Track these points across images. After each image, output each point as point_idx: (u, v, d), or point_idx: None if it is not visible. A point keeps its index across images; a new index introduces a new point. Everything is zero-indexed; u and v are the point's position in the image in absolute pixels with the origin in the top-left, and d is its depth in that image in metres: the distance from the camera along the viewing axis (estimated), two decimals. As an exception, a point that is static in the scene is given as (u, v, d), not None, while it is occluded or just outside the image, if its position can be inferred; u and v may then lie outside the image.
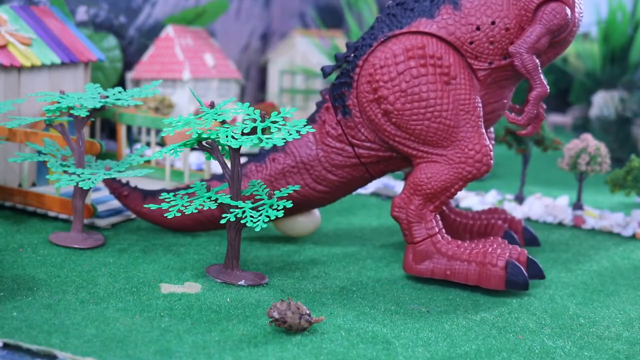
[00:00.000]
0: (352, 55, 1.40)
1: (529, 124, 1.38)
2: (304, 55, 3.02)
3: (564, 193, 2.07)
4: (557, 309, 1.29)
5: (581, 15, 1.40)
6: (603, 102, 2.70)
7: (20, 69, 1.64)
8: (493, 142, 1.51)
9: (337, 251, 1.50)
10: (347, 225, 1.68)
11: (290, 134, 1.27)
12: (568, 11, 1.34)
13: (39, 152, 1.49)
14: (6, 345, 1.01)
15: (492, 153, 1.36)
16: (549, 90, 1.36)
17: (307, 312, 1.10)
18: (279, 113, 1.30)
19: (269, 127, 1.28)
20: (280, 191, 1.32)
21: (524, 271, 1.32)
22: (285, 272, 1.37)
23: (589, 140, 1.79)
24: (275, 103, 2.90)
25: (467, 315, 1.24)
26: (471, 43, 1.34)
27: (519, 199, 1.94)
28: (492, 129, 1.53)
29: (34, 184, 1.68)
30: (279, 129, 1.28)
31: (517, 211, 1.86)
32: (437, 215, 1.38)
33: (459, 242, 1.37)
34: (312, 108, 3.01)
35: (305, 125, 1.29)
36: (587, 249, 1.61)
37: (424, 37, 1.34)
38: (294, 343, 1.07)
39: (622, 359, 1.11)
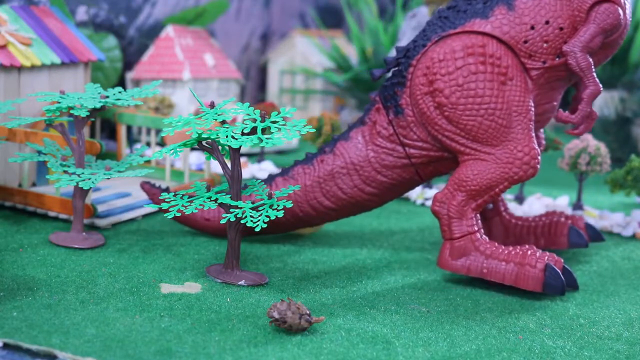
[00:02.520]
0: (404, 56, 1.41)
1: (582, 122, 1.38)
2: (304, 55, 3.02)
3: (564, 193, 2.07)
4: (557, 309, 1.29)
5: (629, 17, 1.41)
6: (603, 102, 2.70)
7: (20, 69, 1.64)
8: (544, 142, 1.52)
9: (337, 251, 1.50)
10: (347, 225, 1.68)
11: (291, 134, 1.27)
12: (620, 11, 1.35)
13: (39, 152, 1.49)
14: (6, 345, 1.01)
15: (539, 157, 1.36)
16: (602, 89, 1.37)
17: (307, 312, 1.10)
18: (279, 113, 1.30)
19: (269, 127, 1.28)
20: (281, 191, 1.32)
21: (562, 276, 1.31)
22: (286, 272, 1.37)
23: (589, 140, 1.79)
24: (275, 103, 2.90)
25: (467, 315, 1.24)
26: (525, 42, 1.35)
27: (519, 199, 1.94)
28: (542, 131, 1.53)
29: (34, 184, 1.68)
30: (279, 129, 1.28)
31: (518, 211, 1.86)
32: (478, 215, 1.38)
33: (498, 244, 1.37)
34: (313, 108, 3.01)
35: (304, 126, 1.29)
36: (586, 249, 1.61)
37: (484, 37, 1.35)
38: (294, 343, 1.07)
39: (622, 359, 1.11)
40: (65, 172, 1.41)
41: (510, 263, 1.33)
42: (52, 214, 1.55)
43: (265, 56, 3.15)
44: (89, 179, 1.37)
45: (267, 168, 2.14)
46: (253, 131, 1.27)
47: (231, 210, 1.26)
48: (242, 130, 1.27)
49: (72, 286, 1.22)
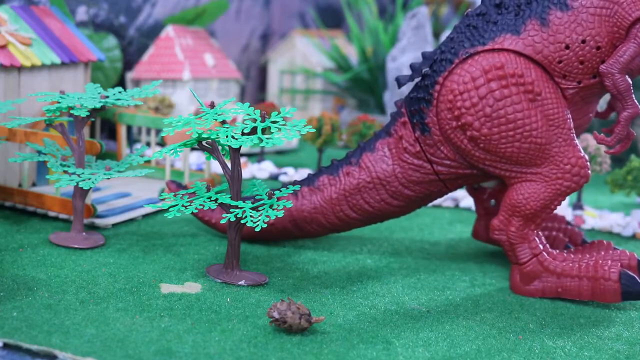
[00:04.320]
0: (430, 68, 1.36)
1: (618, 144, 1.33)
2: (304, 55, 3.02)
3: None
4: (558, 309, 1.29)
5: None
6: (603, 102, 2.70)
7: (20, 69, 1.64)
8: None
9: (337, 251, 1.50)
10: (347, 225, 1.68)
11: (291, 134, 1.27)
12: None
13: (39, 152, 1.49)
14: (6, 345, 1.01)
15: (588, 163, 1.31)
16: None
17: (307, 312, 1.10)
18: (279, 113, 1.30)
19: (269, 127, 1.28)
20: (280, 191, 1.32)
21: (639, 279, 1.29)
22: (286, 272, 1.37)
23: (589, 140, 1.79)
24: (275, 103, 2.90)
25: (467, 315, 1.24)
26: (559, 62, 1.28)
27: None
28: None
29: (34, 184, 1.68)
30: (279, 129, 1.28)
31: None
32: (539, 232, 1.36)
33: (565, 255, 1.34)
34: (312, 108, 3.01)
35: (304, 126, 1.29)
36: (587, 249, 1.61)
37: (501, 54, 1.29)
38: (294, 343, 1.07)
39: (622, 359, 1.11)
40: (65, 172, 1.41)
41: (583, 279, 1.30)
42: (52, 214, 1.55)
43: (265, 56, 3.15)
44: (89, 179, 1.37)
45: (267, 168, 2.14)
46: (253, 131, 1.27)
47: (231, 210, 1.26)
48: (242, 130, 1.27)
49: (72, 286, 1.22)
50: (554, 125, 1.29)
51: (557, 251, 1.36)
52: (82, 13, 2.33)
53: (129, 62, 2.51)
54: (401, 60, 2.33)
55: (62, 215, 1.54)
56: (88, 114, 1.40)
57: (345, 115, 2.74)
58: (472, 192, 1.56)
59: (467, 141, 1.32)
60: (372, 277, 1.38)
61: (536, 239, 1.34)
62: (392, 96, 2.35)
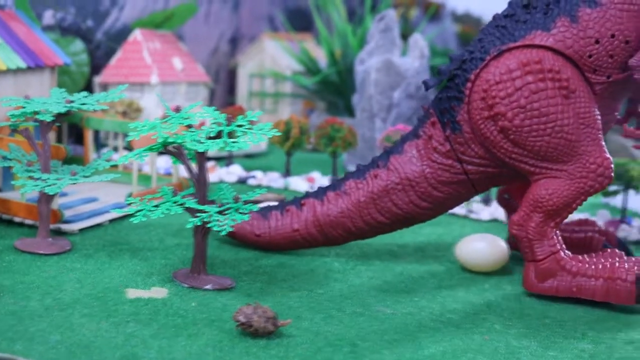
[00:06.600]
0: (460, 68, 1.36)
1: None
2: (273, 58, 3.02)
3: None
4: (524, 310, 1.30)
5: None
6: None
7: (-16, 73, 1.63)
8: None
9: (304, 254, 1.50)
10: (316, 228, 1.68)
11: (256, 138, 1.27)
12: None
13: (4, 158, 1.47)
14: (-31, 353, 1.00)
15: (612, 165, 1.32)
16: None
17: (273, 315, 1.10)
18: (245, 117, 1.30)
19: (235, 131, 1.28)
20: (247, 194, 1.32)
21: None
22: (253, 275, 1.37)
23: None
24: (245, 106, 2.90)
25: (434, 316, 1.24)
26: (590, 57, 1.31)
27: (486, 201, 1.95)
28: None
29: (-1, 190, 1.67)
30: (245, 133, 1.28)
31: (485, 212, 1.88)
32: (558, 232, 1.36)
33: (581, 257, 1.35)
34: (282, 111, 3.01)
35: (270, 129, 1.29)
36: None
37: (539, 50, 1.30)
38: (260, 347, 1.07)
39: (587, 358, 1.12)
40: (30, 177, 1.40)
41: (599, 279, 1.31)
42: (17, 219, 1.53)
43: (235, 60, 3.14)
44: (55, 184, 1.36)
45: (235, 171, 2.14)
46: (219, 135, 1.27)
47: (197, 214, 1.26)
48: (208, 134, 1.27)
49: (37, 292, 1.21)
50: (584, 124, 1.30)
51: (573, 254, 1.36)
52: (48, 17, 2.31)
53: (97, 66, 2.50)
54: (369, 63, 2.34)
55: (27, 221, 1.53)
56: (53, 118, 1.40)
57: (314, 118, 2.74)
58: (503, 201, 1.57)
59: (497, 132, 1.32)
60: (340, 280, 1.38)
61: (554, 237, 1.34)
62: (361, 99, 2.36)
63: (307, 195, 1.47)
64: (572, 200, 1.32)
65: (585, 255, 1.37)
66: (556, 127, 1.29)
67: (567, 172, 1.32)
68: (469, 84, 1.34)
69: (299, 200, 1.47)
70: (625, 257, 1.35)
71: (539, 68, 1.30)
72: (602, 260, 1.34)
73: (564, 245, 1.36)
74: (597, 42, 1.30)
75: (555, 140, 1.30)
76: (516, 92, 1.30)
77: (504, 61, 1.32)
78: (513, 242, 1.54)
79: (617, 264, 1.32)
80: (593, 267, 1.32)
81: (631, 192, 1.96)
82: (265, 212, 1.48)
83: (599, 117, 1.32)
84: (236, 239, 1.51)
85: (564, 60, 1.31)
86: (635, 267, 1.31)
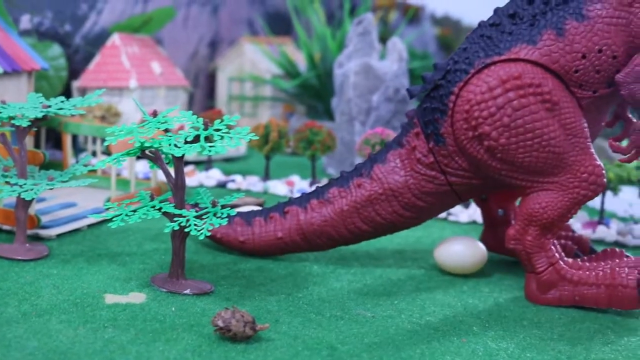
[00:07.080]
0: (444, 79, 1.34)
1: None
2: (253, 62, 3.03)
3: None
4: (502, 312, 1.30)
5: None
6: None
7: (-39, 79, 1.62)
8: None
9: (282, 258, 1.50)
10: (295, 232, 1.68)
11: (234, 142, 1.27)
12: None
13: (-19, 163, 1.47)
14: (-55, 360, 0.99)
15: (604, 172, 1.31)
16: None
17: (252, 319, 1.10)
18: (223, 121, 1.30)
19: (212, 135, 1.28)
20: (225, 199, 1.32)
21: None
22: (232, 280, 1.37)
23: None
24: (224, 110, 2.90)
25: (412, 319, 1.24)
26: (576, 72, 1.29)
27: (465, 204, 1.96)
28: None
29: (-24, 196, 1.66)
30: (222, 137, 1.28)
31: (463, 215, 1.88)
32: (555, 241, 1.36)
33: (580, 264, 1.34)
34: (262, 114, 3.01)
35: (248, 133, 1.29)
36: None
37: (518, 64, 1.28)
38: (238, 351, 1.07)
39: (564, 359, 1.13)
40: (7, 183, 1.39)
41: (600, 286, 1.31)
42: (-5, 225, 1.53)
43: (214, 63, 3.14)
44: (32, 189, 1.35)
45: (214, 176, 2.13)
46: (196, 139, 1.27)
47: (175, 219, 1.26)
48: (185, 138, 1.26)
49: (15, 298, 1.20)
50: (571, 134, 1.29)
51: (572, 260, 1.36)
52: (25, 21, 2.30)
53: (75, 70, 2.49)
54: (348, 66, 2.34)
55: (5, 227, 1.52)
56: (29, 124, 1.39)
57: (294, 121, 2.74)
58: (480, 203, 1.57)
59: (484, 151, 1.31)
60: (318, 284, 1.38)
61: (552, 247, 1.34)
62: (340, 102, 2.36)
63: (291, 202, 1.47)
64: (566, 211, 1.31)
65: (586, 259, 1.38)
66: (543, 141, 1.28)
67: (559, 183, 1.31)
68: (452, 97, 1.32)
69: (282, 206, 1.47)
70: (625, 258, 1.35)
71: (519, 84, 1.27)
72: (603, 264, 1.34)
73: (562, 254, 1.36)
74: (584, 57, 1.28)
75: (543, 154, 1.29)
76: (499, 112, 1.28)
77: (485, 78, 1.29)
78: (488, 241, 1.55)
79: (617, 269, 1.31)
80: (594, 274, 1.32)
81: (609, 193, 1.98)
82: (249, 218, 1.47)
83: (586, 126, 1.31)
84: (222, 244, 1.51)
85: (545, 73, 1.29)
86: (636, 270, 1.31)
